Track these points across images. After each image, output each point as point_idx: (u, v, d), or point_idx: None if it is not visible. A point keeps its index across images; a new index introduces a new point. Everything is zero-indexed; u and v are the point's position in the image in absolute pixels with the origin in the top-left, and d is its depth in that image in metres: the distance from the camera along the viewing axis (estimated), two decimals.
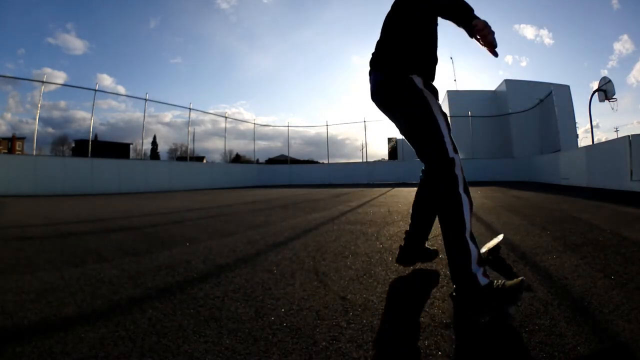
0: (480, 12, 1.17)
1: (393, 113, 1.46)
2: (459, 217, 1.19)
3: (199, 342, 0.98)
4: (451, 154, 1.26)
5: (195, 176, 13.19)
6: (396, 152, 22.84)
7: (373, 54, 1.52)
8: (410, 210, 1.63)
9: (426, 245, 1.67)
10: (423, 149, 1.33)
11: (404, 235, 1.63)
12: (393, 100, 1.41)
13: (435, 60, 1.47)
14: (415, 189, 1.62)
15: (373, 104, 1.59)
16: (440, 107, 1.34)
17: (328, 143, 16.96)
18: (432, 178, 1.32)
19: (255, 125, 17.15)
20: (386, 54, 1.45)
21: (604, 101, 11.00)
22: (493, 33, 1.14)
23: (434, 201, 1.38)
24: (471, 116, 18.09)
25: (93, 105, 11.22)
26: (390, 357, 0.89)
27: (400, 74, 1.36)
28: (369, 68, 1.53)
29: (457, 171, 1.26)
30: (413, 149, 1.36)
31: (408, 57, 1.39)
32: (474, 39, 1.19)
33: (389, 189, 9.56)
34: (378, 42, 1.53)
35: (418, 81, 1.34)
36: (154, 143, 45.27)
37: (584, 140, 23.49)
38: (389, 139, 24.89)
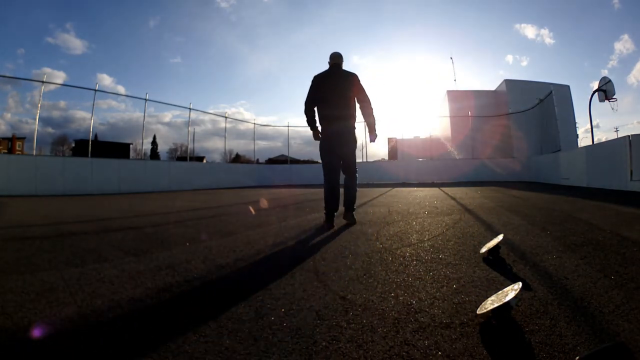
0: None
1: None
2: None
3: (199, 342, 0.98)
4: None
5: (195, 176, 13.17)
6: (396, 152, 22.82)
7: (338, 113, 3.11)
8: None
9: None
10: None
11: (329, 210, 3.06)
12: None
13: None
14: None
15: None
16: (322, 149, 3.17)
17: None
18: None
19: (255, 125, 17.14)
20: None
21: (604, 101, 10.98)
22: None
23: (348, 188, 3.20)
24: (471, 116, 18.09)
25: (93, 105, 11.21)
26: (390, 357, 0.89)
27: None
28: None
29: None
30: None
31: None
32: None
33: (388, 189, 9.56)
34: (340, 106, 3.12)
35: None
36: (154, 143, 45.31)
37: (584, 140, 23.48)
38: (389, 139, 24.87)
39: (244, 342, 0.98)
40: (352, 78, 3.11)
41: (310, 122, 3.21)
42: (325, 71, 3.19)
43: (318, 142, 3.18)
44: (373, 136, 3.26)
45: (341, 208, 3.13)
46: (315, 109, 3.18)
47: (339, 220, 3.13)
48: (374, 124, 3.22)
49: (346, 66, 3.23)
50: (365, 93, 3.15)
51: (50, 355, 0.93)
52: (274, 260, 1.96)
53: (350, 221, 3.09)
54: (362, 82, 3.15)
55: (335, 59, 3.20)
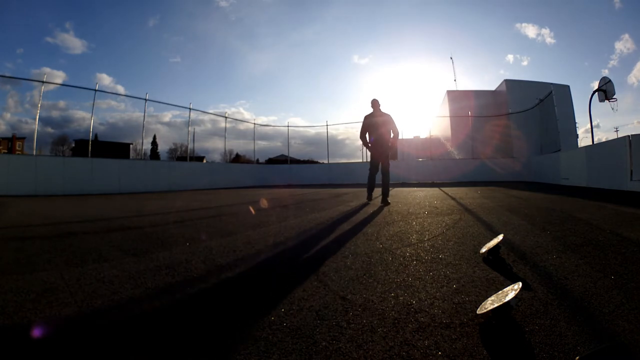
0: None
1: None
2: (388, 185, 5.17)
3: (199, 342, 0.98)
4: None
5: (195, 176, 13.16)
6: (396, 152, 22.83)
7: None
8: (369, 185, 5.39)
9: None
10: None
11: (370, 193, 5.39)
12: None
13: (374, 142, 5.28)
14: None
15: (374, 104, 5.33)
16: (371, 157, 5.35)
17: (328, 143, 16.96)
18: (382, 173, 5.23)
19: (255, 125, 17.14)
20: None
21: (604, 101, 10.97)
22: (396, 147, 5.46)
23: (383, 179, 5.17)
24: (471, 116, 18.09)
25: (93, 105, 11.16)
26: (390, 357, 0.89)
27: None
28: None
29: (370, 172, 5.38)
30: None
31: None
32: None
33: None
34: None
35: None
36: (154, 143, 45.20)
37: (584, 140, 23.50)
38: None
39: (244, 342, 0.98)
40: (388, 116, 5.20)
41: (365, 144, 5.33)
42: (371, 112, 5.26)
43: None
44: (392, 152, 5.35)
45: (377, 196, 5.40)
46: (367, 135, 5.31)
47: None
48: (396, 145, 5.35)
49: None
50: (395, 125, 5.22)
51: (50, 355, 0.93)
52: (273, 260, 1.96)
53: (386, 204, 4.78)
54: (393, 118, 5.22)
55: (376, 104, 5.25)
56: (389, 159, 5.25)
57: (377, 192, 5.38)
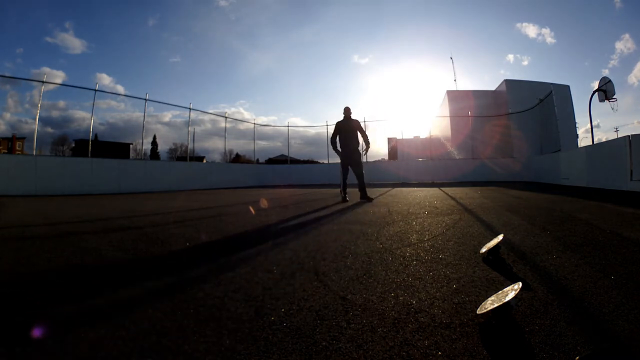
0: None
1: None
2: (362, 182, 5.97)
3: (199, 342, 0.98)
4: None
5: (195, 176, 13.17)
6: (396, 152, 22.83)
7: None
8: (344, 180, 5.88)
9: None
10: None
11: (343, 189, 5.82)
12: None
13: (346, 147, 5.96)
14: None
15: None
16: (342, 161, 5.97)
17: (328, 143, 16.95)
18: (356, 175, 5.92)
19: (255, 125, 17.14)
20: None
21: (604, 101, 10.95)
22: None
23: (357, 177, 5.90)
24: (471, 116, 18.09)
25: (93, 105, 11.14)
26: (390, 357, 0.89)
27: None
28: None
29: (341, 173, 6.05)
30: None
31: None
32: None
33: (389, 189, 9.56)
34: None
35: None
36: (154, 143, 45.29)
37: (584, 140, 23.54)
38: (389, 139, 24.88)
39: (244, 342, 0.98)
40: (356, 122, 5.93)
41: (334, 147, 5.93)
42: (343, 119, 5.93)
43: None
44: (365, 150, 5.97)
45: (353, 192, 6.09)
46: (337, 139, 5.92)
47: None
48: (368, 145, 5.94)
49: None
50: (362, 128, 5.96)
51: (50, 355, 0.93)
52: (274, 260, 1.96)
53: (366, 199, 5.50)
54: (361, 123, 6.02)
55: (347, 112, 5.88)
56: (360, 162, 5.90)
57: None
